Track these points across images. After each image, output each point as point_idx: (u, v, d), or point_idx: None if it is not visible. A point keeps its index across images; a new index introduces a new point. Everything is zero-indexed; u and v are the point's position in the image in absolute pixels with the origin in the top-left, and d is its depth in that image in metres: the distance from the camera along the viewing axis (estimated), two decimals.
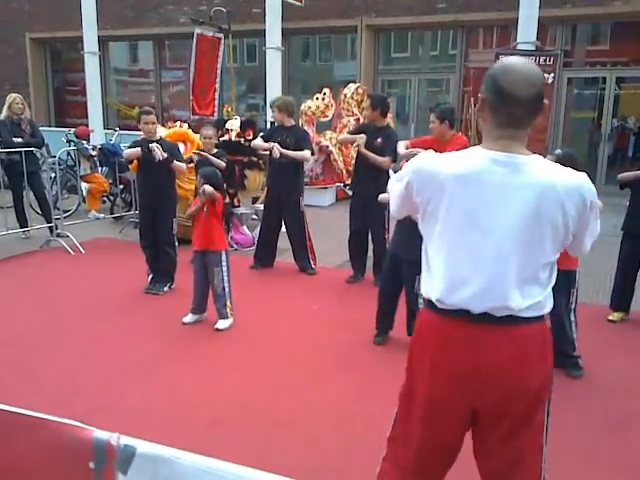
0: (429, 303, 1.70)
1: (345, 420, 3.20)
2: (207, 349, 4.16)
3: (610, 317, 4.79)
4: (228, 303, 4.49)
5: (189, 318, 4.58)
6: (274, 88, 9.44)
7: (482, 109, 1.65)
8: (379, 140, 5.44)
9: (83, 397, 3.39)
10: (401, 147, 4.95)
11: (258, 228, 6.48)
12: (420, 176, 1.67)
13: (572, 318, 3.81)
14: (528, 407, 1.64)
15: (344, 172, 9.70)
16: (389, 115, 10.24)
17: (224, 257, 4.46)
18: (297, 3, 10.66)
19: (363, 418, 3.19)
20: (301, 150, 5.80)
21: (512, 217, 1.56)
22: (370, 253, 5.74)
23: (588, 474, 2.75)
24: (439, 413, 1.70)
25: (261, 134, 6.31)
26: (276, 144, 5.70)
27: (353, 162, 6.26)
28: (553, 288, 1.66)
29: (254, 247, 6.39)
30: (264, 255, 6.16)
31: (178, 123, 7.98)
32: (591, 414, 3.31)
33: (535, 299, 1.60)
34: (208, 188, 4.32)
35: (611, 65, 11.21)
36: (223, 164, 5.76)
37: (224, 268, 4.45)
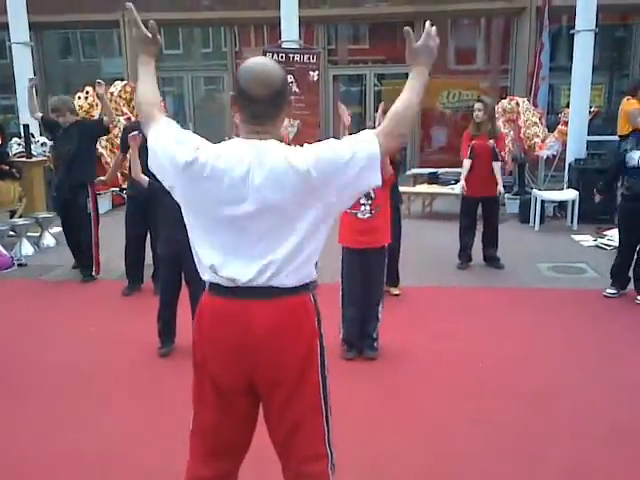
0: (207, 287, 1.78)
1: (140, 444, 2.93)
2: None
3: (393, 291, 5.08)
4: None
5: None
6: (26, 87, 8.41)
7: (233, 106, 1.77)
8: None
9: None
10: None
11: (17, 246, 5.70)
12: (183, 169, 1.71)
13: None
14: (298, 372, 1.74)
15: (119, 175, 9.05)
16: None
17: None
18: None
19: (161, 437, 2.93)
20: None
21: (260, 196, 1.65)
22: (150, 261, 5.36)
23: (369, 435, 2.92)
24: (224, 392, 1.77)
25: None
26: None
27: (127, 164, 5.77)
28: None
29: (14, 268, 5.62)
30: None
31: None
32: (367, 382, 3.56)
33: (295, 272, 1.69)
34: None
35: (372, 63, 12.12)
36: None
37: None
